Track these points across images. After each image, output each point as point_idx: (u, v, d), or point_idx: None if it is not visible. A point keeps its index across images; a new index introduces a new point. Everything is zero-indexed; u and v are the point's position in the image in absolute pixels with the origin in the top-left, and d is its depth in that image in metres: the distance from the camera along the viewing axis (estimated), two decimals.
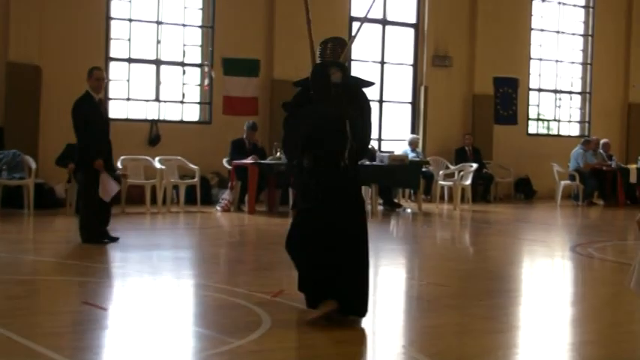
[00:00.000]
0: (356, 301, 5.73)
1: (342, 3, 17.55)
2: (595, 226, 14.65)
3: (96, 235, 9.51)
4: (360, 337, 5.57)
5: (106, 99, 9.53)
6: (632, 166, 18.66)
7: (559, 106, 20.97)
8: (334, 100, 5.73)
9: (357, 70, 17.74)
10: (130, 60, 15.71)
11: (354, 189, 5.89)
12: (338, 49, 5.98)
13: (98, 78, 9.71)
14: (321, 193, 5.71)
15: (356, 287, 5.73)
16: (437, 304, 6.73)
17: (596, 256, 9.93)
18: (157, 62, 16.00)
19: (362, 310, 5.76)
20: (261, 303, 6.20)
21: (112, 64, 15.52)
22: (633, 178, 18.34)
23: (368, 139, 6.22)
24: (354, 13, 17.85)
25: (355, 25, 17.85)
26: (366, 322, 5.86)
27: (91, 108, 9.59)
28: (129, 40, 15.73)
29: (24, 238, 10.91)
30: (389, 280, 8.17)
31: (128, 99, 15.66)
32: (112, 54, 15.57)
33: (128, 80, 15.68)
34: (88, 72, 9.84)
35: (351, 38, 6.20)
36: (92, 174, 9.53)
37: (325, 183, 5.74)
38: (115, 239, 9.59)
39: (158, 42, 16.01)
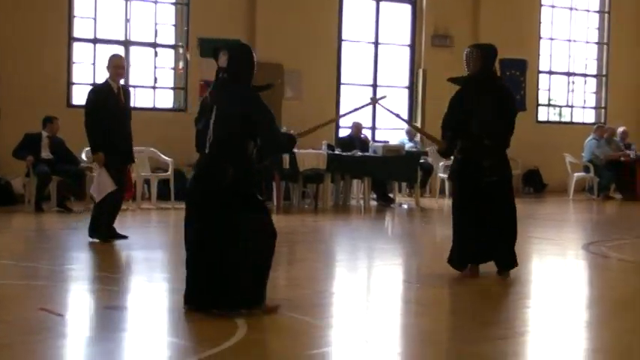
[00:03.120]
0: None
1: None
2: (611, 223, 14.66)
3: (104, 231, 9.72)
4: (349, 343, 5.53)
5: (127, 87, 9.77)
6: None
7: (572, 91, 20.98)
8: (218, 84, 6.21)
9: (348, 51, 17.72)
10: (95, 40, 15.63)
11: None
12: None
13: (115, 66, 9.87)
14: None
15: None
16: (434, 308, 6.71)
17: (612, 255, 9.92)
18: (126, 43, 15.91)
19: None
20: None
21: (76, 45, 15.45)
22: None
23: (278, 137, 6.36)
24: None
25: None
26: (357, 328, 5.82)
27: (103, 97, 9.73)
28: (94, 18, 15.65)
29: None
30: (383, 282, 8.15)
31: (93, 84, 15.54)
32: (75, 34, 15.50)
33: (93, 63, 15.60)
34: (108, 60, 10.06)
35: None
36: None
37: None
38: (123, 237, 9.82)
39: (127, 20, 15.93)
